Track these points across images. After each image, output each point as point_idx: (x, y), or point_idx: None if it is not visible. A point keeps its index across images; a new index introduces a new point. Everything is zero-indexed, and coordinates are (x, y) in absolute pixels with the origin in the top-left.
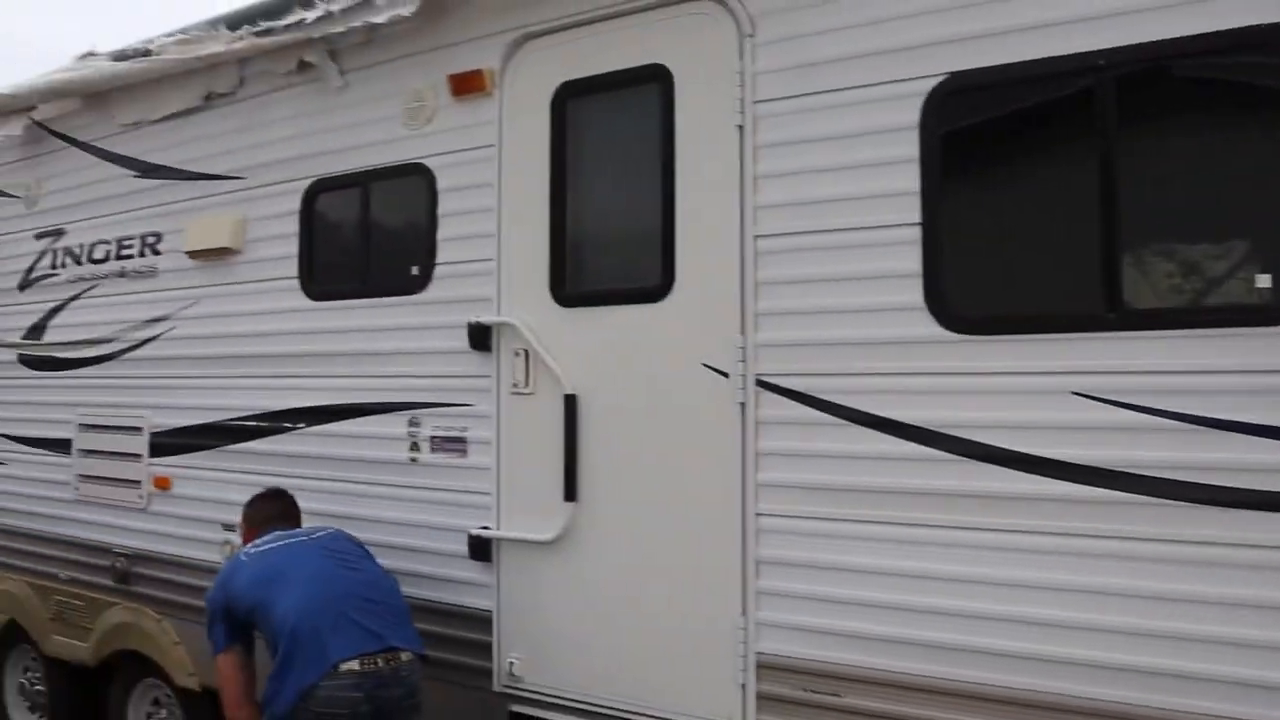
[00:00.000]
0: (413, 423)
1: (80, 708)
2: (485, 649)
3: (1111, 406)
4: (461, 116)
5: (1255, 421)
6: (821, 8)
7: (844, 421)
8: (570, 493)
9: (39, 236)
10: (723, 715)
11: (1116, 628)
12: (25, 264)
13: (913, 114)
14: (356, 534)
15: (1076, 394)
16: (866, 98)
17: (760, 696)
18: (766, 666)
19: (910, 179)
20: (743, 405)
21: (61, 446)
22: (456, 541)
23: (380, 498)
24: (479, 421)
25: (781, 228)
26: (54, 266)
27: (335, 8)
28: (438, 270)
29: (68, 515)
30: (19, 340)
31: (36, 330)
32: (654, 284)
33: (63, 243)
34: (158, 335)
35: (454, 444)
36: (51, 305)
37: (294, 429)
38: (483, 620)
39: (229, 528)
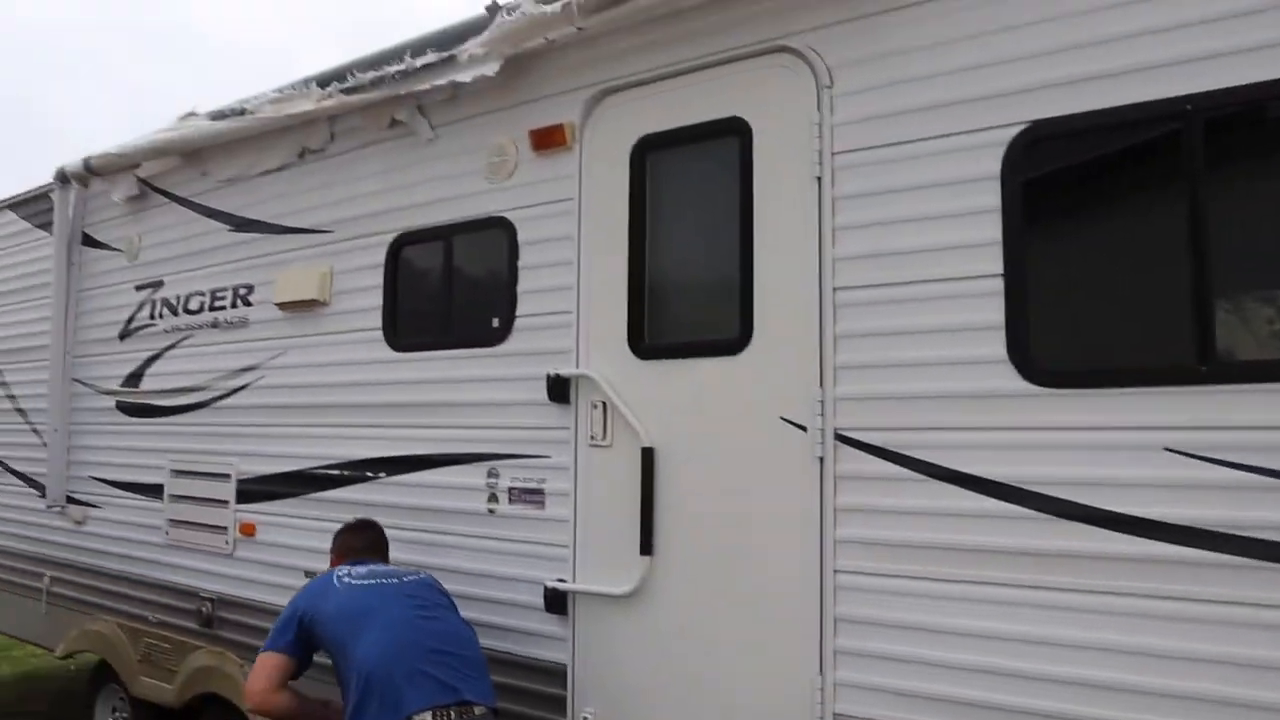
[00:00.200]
0: (491, 474)
1: None
2: (559, 703)
3: (1206, 464)
4: (542, 170)
5: None
6: (900, 58)
7: (924, 477)
8: (646, 546)
9: (139, 288)
10: None
11: (1214, 697)
12: (126, 314)
13: (993, 163)
14: None
15: (1169, 450)
16: (946, 148)
17: None
18: None
19: (992, 229)
20: (821, 459)
21: (154, 492)
22: (532, 593)
23: (457, 548)
24: (557, 473)
25: (860, 280)
26: (152, 317)
27: (420, 63)
28: (518, 322)
29: (158, 559)
30: (117, 388)
31: (134, 378)
32: (732, 337)
33: (161, 294)
34: (247, 384)
35: (531, 495)
36: (149, 354)
37: (375, 478)
38: (557, 674)
39: (310, 574)
